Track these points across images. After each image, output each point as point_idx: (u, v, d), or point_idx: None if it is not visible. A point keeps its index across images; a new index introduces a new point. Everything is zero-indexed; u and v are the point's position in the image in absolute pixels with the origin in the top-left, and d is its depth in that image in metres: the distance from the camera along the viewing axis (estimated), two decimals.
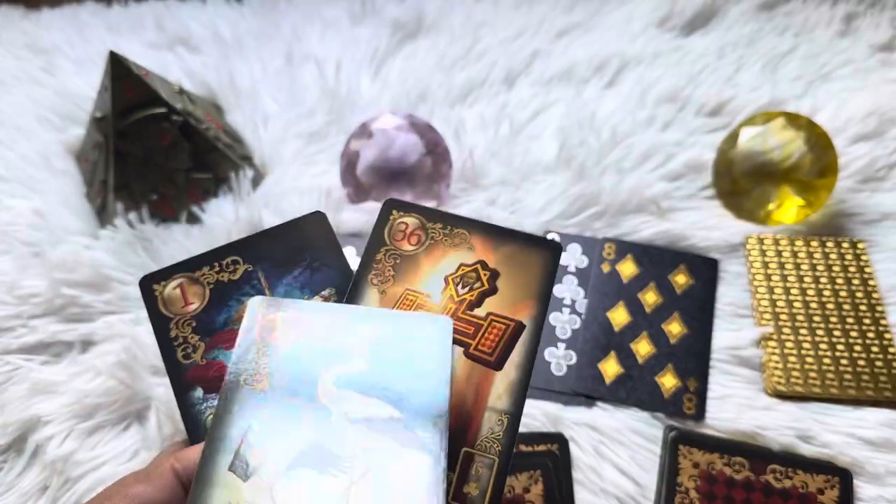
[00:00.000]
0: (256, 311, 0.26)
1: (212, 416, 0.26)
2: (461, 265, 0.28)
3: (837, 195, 0.50)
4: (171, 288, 0.28)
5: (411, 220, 0.30)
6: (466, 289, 0.28)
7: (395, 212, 0.30)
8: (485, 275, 0.28)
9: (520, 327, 0.27)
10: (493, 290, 0.28)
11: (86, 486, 0.39)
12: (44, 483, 0.40)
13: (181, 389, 0.26)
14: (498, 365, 0.26)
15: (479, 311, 0.27)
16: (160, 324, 0.27)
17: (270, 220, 0.51)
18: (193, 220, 0.51)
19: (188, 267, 0.29)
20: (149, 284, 0.28)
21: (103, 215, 0.52)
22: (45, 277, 0.47)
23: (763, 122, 0.48)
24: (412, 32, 0.68)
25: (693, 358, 0.43)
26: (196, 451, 0.23)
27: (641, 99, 0.59)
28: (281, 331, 0.26)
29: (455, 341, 0.26)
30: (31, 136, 0.60)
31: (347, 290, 0.28)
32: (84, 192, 0.55)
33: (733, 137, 0.49)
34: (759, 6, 0.67)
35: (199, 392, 0.26)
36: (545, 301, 0.27)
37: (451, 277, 0.28)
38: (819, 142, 0.47)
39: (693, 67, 0.61)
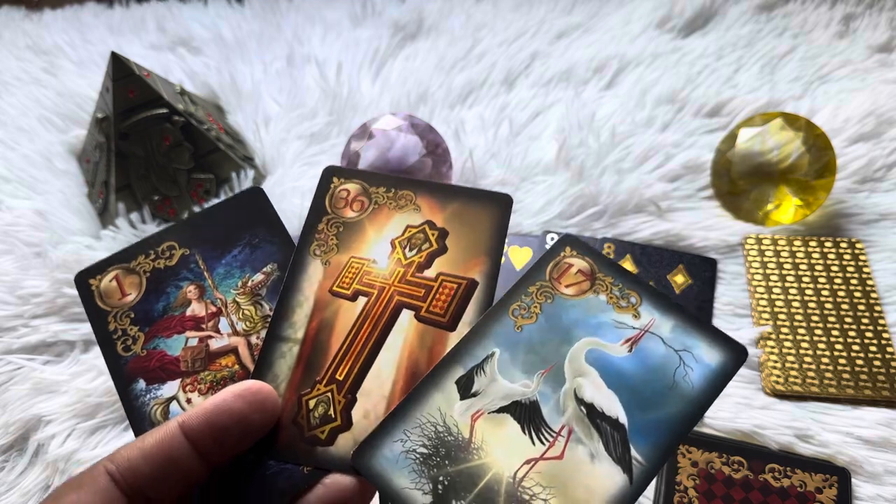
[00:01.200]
0: (560, 248, 0.26)
1: (157, 407, 0.25)
2: (408, 227, 0.28)
3: (836, 195, 0.51)
4: (108, 281, 0.28)
5: (353, 186, 0.29)
6: (414, 251, 0.27)
7: (335, 178, 0.29)
8: (433, 234, 0.27)
9: (472, 285, 0.26)
10: (442, 250, 0.27)
11: None
12: (45, 482, 0.40)
13: (122, 382, 0.26)
14: (451, 325, 0.25)
15: (430, 273, 0.26)
16: (98, 319, 0.27)
17: None
18: None
19: (123, 258, 0.28)
20: (84, 280, 0.28)
21: (105, 216, 0.52)
22: (47, 277, 0.47)
23: (761, 122, 0.48)
24: (412, 34, 0.69)
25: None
26: (129, 447, 0.22)
27: (640, 100, 0.59)
28: (573, 278, 0.25)
29: (406, 305, 0.26)
30: (33, 136, 0.60)
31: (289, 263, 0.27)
32: (86, 193, 0.55)
33: (732, 138, 0.49)
34: (758, 7, 0.68)
35: (141, 384, 0.26)
36: (497, 256, 0.27)
37: (398, 240, 0.27)
38: (817, 142, 0.47)
39: (692, 68, 0.61)
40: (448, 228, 0.27)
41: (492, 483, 0.21)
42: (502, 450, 0.22)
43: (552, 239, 0.49)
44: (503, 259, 0.49)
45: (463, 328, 0.25)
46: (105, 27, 0.73)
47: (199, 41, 0.69)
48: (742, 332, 0.45)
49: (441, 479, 0.22)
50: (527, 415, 0.23)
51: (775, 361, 0.43)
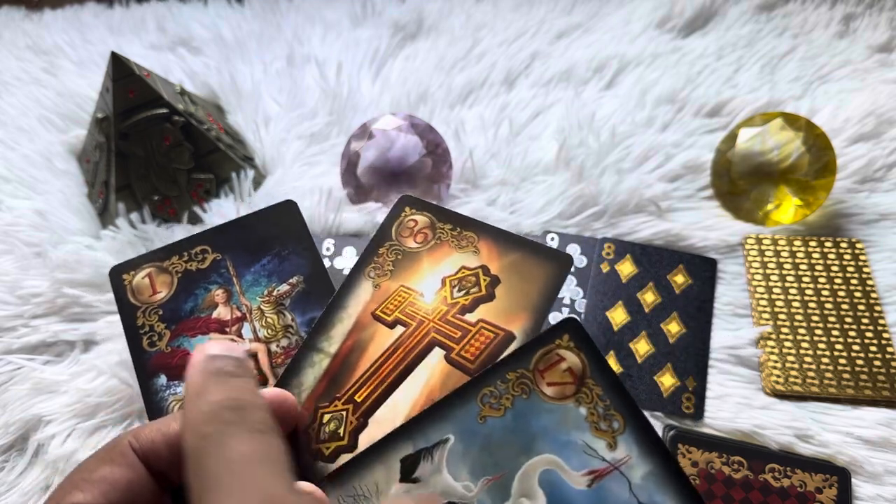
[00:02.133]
0: (557, 333, 0.23)
1: (175, 403, 0.26)
2: (462, 268, 0.27)
3: (836, 195, 0.51)
4: (140, 277, 0.29)
5: (421, 218, 0.29)
6: (462, 292, 0.27)
7: (407, 208, 0.29)
8: (484, 280, 0.27)
9: (509, 338, 0.25)
10: (489, 297, 0.26)
11: None
12: (45, 482, 0.40)
13: (145, 376, 0.27)
14: (477, 374, 0.24)
15: (471, 317, 0.26)
16: (127, 312, 0.28)
17: None
18: (195, 220, 0.52)
19: (158, 256, 0.29)
20: (118, 274, 0.29)
21: (105, 216, 0.52)
22: (47, 277, 0.47)
23: (761, 122, 0.48)
24: (412, 34, 0.69)
25: (692, 357, 0.44)
26: (152, 428, 0.22)
27: (640, 100, 0.59)
28: (559, 376, 0.23)
29: (439, 344, 0.25)
30: (33, 136, 0.60)
31: (341, 283, 0.28)
32: (86, 193, 0.55)
33: (732, 138, 0.49)
34: (758, 7, 0.68)
35: (162, 379, 0.27)
36: (542, 315, 0.25)
37: (450, 279, 0.27)
38: (817, 142, 0.47)
39: (692, 68, 0.61)
40: (501, 277, 0.27)
41: None
42: None
43: (552, 239, 0.49)
44: None
45: None
46: (105, 27, 0.73)
47: (199, 41, 0.69)
48: (742, 332, 0.45)
49: None
50: None
51: (775, 361, 0.43)
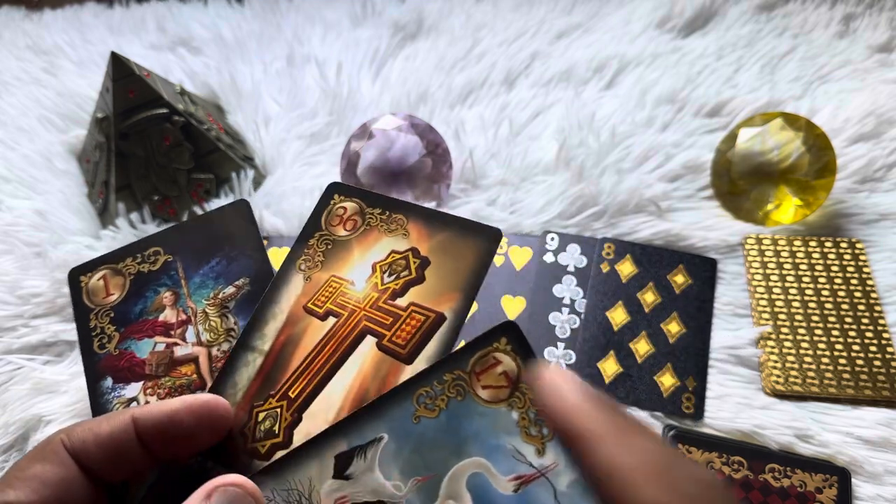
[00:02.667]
0: (492, 337, 0.23)
1: (119, 405, 0.26)
2: (392, 252, 0.27)
3: (836, 195, 0.51)
4: (96, 279, 0.28)
5: (350, 205, 0.28)
6: (392, 277, 0.26)
7: (336, 196, 0.29)
8: (414, 262, 0.26)
9: (439, 319, 0.25)
10: (419, 279, 0.26)
11: None
12: None
13: (93, 378, 0.27)
14: (409, 359, 0.24)
15: (402, 301, 0.26)
16: (81, 315, 0.28)
17: (271, 221, 0.51)
18: None
19: (113, 258, 0.29)
20: (76, 276, 0.29)
21: (105, 216, 0.52)
22: (47, 277, 0.47)
23: (761, 122, 0.48)
24: (412, 34, 0.69)
25: (692, 357, 0.44)
26: (84, 427, 0.22)
27: (640, 100, 0.59)
28: (494, 379, 0.22)
29: (370, 331, 0.25)
30: (33, 136, 0.60)
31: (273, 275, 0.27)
32: (86, 193, 0.55)
33: (732, 138, 0.49)
34: (758, 7, 0.68)
35: (108, 381, 0.27)
36: (472, 293, 0.25)
37: (380, 265, 0.27)
38: (817, 142, 0.47)
39: (692, 68, 0.61)
40: (431, 258, 0.26)
41: None
42: None
43: (552, 239, 0.49)
44: (503, 260, 0.49)
45: (420, 363, 0.24)
46: (105, 27, 0.73)
47: (199, 41, 0.69)
48: (742, 332, 0.45)
49: None
50: None
51: (775, 361, 0.43)
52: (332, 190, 0.29)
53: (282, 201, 0.52)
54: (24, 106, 0.64)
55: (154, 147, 0.50)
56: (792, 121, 0.48)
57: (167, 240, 0.29)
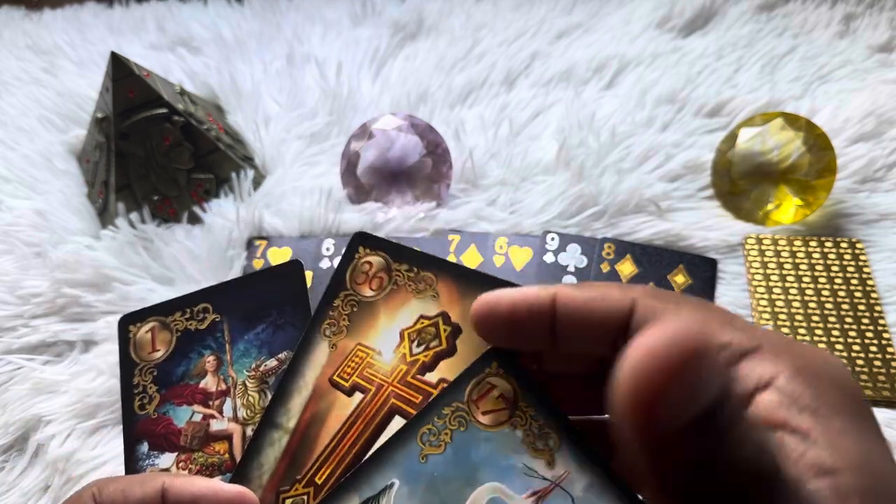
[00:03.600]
0: (484, 364, 0.22)
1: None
2: (420, 317, 0.25)
3: (836, 195, 0.51)
4: (144, 331, 0.27)
5: (376, 260, 0.26)
6: (422, 347, 0.24)
7: (361, 248, 0.26)
8: (445, 330, 0.24)
9: None
10: (451, 351, 0.24)
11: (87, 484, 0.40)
12: (45, 482, 0.40)
13: (130, 441, 0.25)
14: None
15: (431, 377, 0.24)
16: (126, 369, 0.26)
17: (271, 221, 0.51)
18: (195, 220, 0.52)
19: (163, 310, 0.27)
20: (126, 325, 0.27)
21: (105, 216, 0.52)
22: (47, 277, 0.47)
23: (762, 122, 0.48)
24: (412, 34, 0.69)
25: None
26: (117, 487, 0.22)
27: (641, 100, 0.59)
28: (493, 404, 0.22)
29: (398, 411, 0.24)
30: (33, 136, 0.60)
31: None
32: (86, 193, 0.55)
33: (732, 138, 0.49)
34: (758, 7, 0.68)
35: (144, 446, 0.25)
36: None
37: (408, 332, 0.25)
38: (818, 142, 0.47)
39: (692, 68, 0.61)
40: (463, 325, 0.24)
41: None
42: None
43: (553, 239, 0.49)
44: (503, 260, 0.49)
45: None
46: (105, 27, 0.73)
47: (199, 41, 0.69)
48: None
49: None
50: None
51: None
52: (357, 242, 0.26)
53: (281, 201, 0.52)
54: (24, 106, 0.63)
55: (154, 147, 0.50)
56: (792, 121, 0.48)
57: (218, 297, 0.27)
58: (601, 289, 0.20)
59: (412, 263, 0.26)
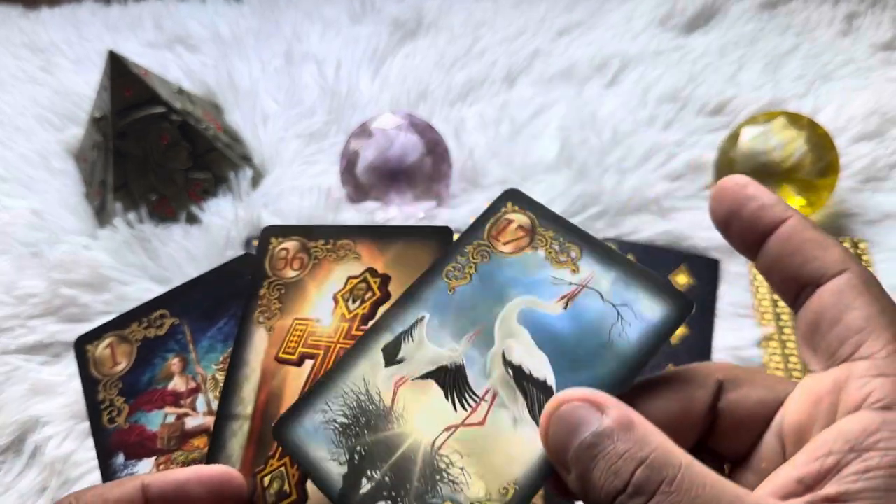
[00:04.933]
0: (501, 203, 0.24)
1: None
2: (349, 278, 0.26)
3: (838, 195, 0.50)
4: (102, 348, 0.27)
5: (291, 245, 0.27)
6: (357, 302, 0.26)
7: (273, 239, 0.27)
8: (375, 282, 0.26)
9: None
10: (385, 297, 0.26)
11: (85, 486, 0.39)
12: (42, 484, 0.40)
13: (104, 455, 0.25)
14: None
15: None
16: (89, 387, 0.26)
17: (269, 220, 0.51)
18: (193, 219, 0.51)
19: (119, 325, 0.28)
20: (82, 345, 0.27)
21: (102, 215, 0.52)
22: (44, 277, 0.47)
23: (764, 121, 0.48)
24: (412, 31, 0.68)
25: (694, 358, 0.43)
26: (96, 492, 0.22)
27: (642, 98, 0.59)
28: (511, 234, 0.23)
29: None
30: (30, 135, 0.60)
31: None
32: (83, 192, 0.54)
33: (734, 137, 0.49)
34: (761, 5, 0.67)
35: (120, 458, 0.25)
36: None
37: (341, 294, 0.26)
38: (820, 141, 0.47)
39: (694, 67, 0.61)
40: (390, 273, 0.26)
41: (409, 452, 0.20)
42: (423, 417, 0.21)
43: None
44: None
45: None
46: (102, 25, 0.73)
47: (197, 39, 0.69)
48: (745, 332, 0.44)
49: (358, 448, 0.20)
50: (451, 380, 0.21)
51: (778, 362, 0.43)
52: (268, 234, 0.28)
53: (280, 200, 0.52)
54: (21, 105, 0.63)
55: (151, 146, 0.50)
56: (795, 119, 0.47)
57: (172, 302, 0.28)
58: (827, 240, 0.19)
59: (327, 237, 0.27)
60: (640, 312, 0.21)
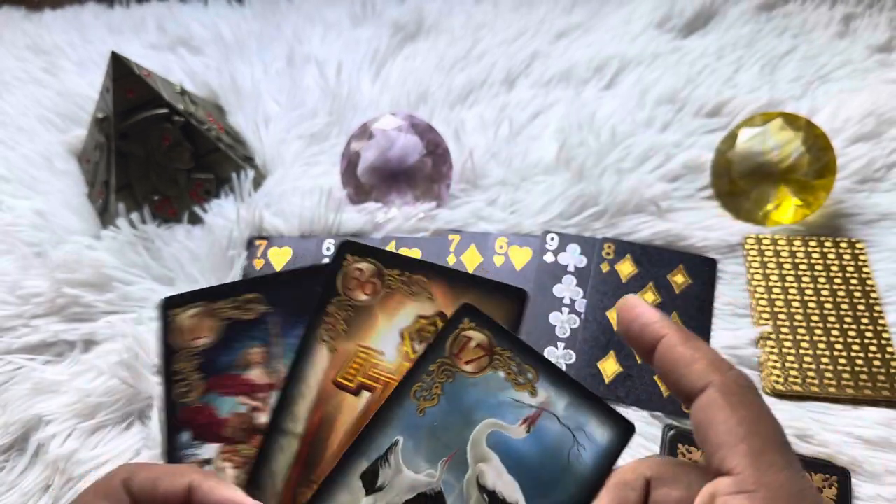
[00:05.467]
0: (459, 319, 0.25)
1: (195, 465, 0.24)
2: (419, 317, 0.26)
3: (836, 195, 0.51)
4: (188, 316, 0.26)
5: (367, 266, 0.27)
6: (423, 344, 0.26)
7: (349, 256, 0.27)
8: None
9: None
10: None
11: (87, 484, 0.40)
12: (45, 482, 0.40)
13: (171, 428, 0.25)
14: None
15: None
16: (166, 353, 0.26)
17: (271, 221, 0.51)
18: (195, 220, 0.52)
19: (208, 296, 0.26)
20: (166, 308, 0.26)
21: (105, 216, 0.52)
22: (47, 277, 0.47)
23: (761, 122, 0.48)
24: (412, 34, 0.69)
25: None
26: (150, 476, 0.22)
27: (641, 100, 0.59)
28: (472, 353, 0.24)
29: None
30: (33, 136, 0.60)
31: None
32: (86, 193, 0.55)
33: (732, 138, 0.49)
34: (758, 7, 0.68)
35: (186, 436, 0.25)
36: None
37: (408, 331, 0.26)
38: (817, 142, 0.47)
39: (692, 68, 0.61)
40: None
41: None
42: None
43: (552, 239, 0.49)
44: (503, 260, 0.49)
45: None
46: (105, 27, 0.73)
47: (199, 41, 0.69)
48: (742, 332, 0.45)
49: None
50: None
51: (775, 361, 0.43)
52: (345, 249, 0.27)
53: (282, 201, 0.52)
54: (25, 106, 0.64)
55: (154, 147, 0.50)
56: (792, 121, 0.48)
57: (269, 288, 0.27)
58: (693, 355, 0.21)
59: (403, 268, 0.27)
60: (591, 435, 0.23)
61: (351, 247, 0.27)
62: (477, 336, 0.25)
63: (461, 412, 0.24)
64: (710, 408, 0.20)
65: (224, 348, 0.26)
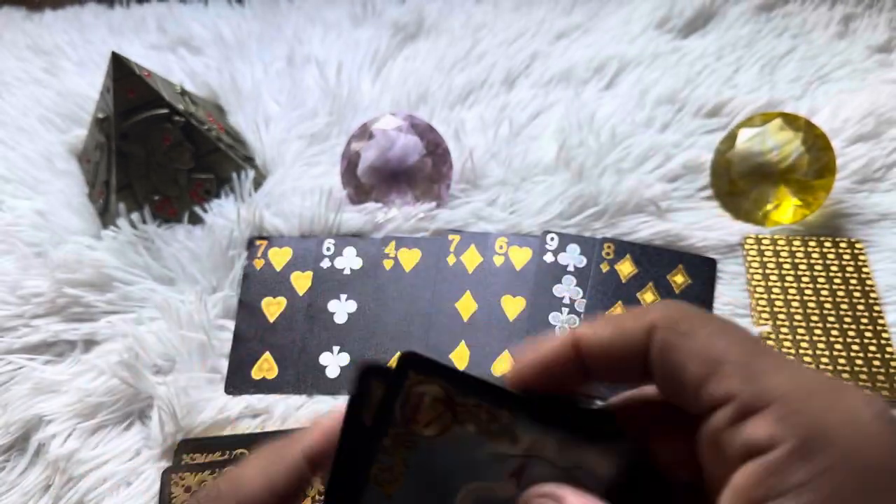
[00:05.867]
0: (402, 376, 0.19)
1: None
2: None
3: (835, 195, 0.51)
4: (428, 393, 0.20)
5: (433, 390, 0.20)
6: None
7: (412, 373, 0.19)
8: None
9: None
10: None
11: (88, 484, 0.40)
12: (46, 482, 0.40)
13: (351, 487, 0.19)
14: None
15: None
16: (373, 427, 0.19)
17: (272, 221, 0.51)
18: (195, 220, 0.52)
19: (456, 381, 0.20)
20: (403, 371, 0.20)
21: (105, 216, 0.52)
22: (48, 278, 0.47)
23: (761, 122, 0.49)
24: (412, 34, 0.69)
25: None
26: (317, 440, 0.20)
27: (640, 100, 0.59)
28: (430, 412, 0.19)
29: None
30: (34, 136, 0.60)
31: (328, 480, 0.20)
32: (86, 193, 0.55)
33: (731, 138, 0.49)
34: (758, 8, 0.68)
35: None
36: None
37: None
38: (817, 142, 0.47)
39: (691, 69, 0.61)
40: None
41: None
42: None
43: (552, 239, 0.49)
44: (503, 260, 0.49)
45: None
46: (105, 27, 0.73)
47: (200, 41, 0.70)
48: None
49: None
50: None
51: None
52: (407, 366, 0.20)
53: (282, 201, 0.52)
54: (25, 106, 0.64)
55: (154, 147, 0.50)
56: (791, 121, 0.48)
57: (523, 410, 0.20)
58: (616, 321, 0.18)
59: (480, 398, 0.20)
60: (592, 471, 0.19)
61: (414, 362, 0.20)
62: (430, 389, 0.19)
63: (436, 486, 0.19)
64: (667, 350, 0.17)
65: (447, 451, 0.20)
